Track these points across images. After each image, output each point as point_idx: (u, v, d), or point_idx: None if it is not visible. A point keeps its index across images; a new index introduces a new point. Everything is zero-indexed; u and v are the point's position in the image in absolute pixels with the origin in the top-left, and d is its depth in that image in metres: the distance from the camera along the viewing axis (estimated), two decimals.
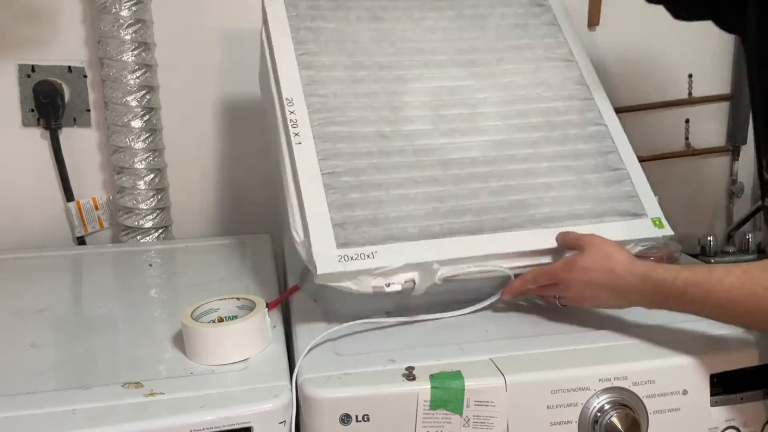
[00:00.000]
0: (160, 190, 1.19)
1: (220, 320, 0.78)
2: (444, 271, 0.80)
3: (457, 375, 0.68)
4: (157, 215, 1.19)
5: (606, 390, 0.70)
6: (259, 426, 0.65)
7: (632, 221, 0.90)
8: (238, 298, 0.80)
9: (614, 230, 0.86)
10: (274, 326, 0.81)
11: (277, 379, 0.70)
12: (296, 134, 0.85)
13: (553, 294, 0.80)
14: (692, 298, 0.68)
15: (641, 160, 1.49)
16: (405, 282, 0.79)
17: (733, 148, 1.47)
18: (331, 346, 0.76)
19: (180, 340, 0.76)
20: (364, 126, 0.88)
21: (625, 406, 0.70)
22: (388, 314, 0.82)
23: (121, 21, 1.10)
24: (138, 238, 1.19)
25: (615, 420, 0.69)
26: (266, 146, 1.27)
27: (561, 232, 0.83)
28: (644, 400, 0.71)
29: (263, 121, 1.27)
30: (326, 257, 0.77)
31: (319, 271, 0.76)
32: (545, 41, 1.02)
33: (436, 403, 0.67)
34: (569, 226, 0.85)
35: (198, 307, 0.77)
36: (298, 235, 0.80)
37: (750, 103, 0.92)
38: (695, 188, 1.49)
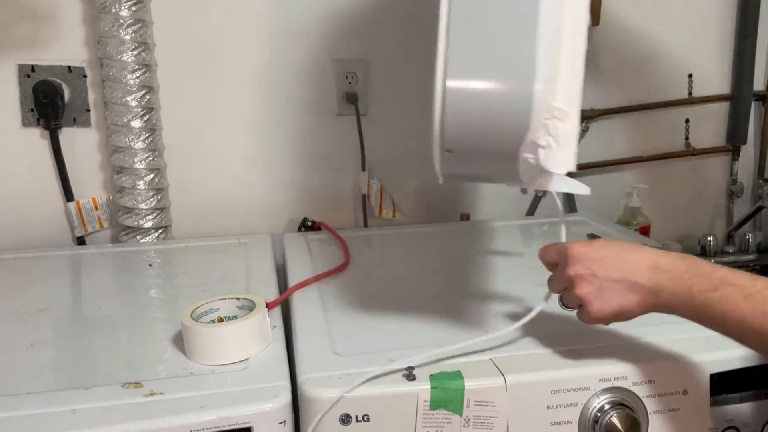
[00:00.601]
0: (159, 190, 1.19)
1: (220, 320, 0.78)
2: None
3: (457, 375, 0.68)
4: (157, 215, 1.19)
5: (606, 390, 0.70)
6: (259, 426, 0.65)
7: None
8: (238, 298, 0.80)
9: None
10: (274, 326, 0.81)
11: (277, 379, 0.70)
12: None
13: (560, 285, 0.72)
14: (723, 298, 0.61)
15: (641, 160, 1.49)
16: None
17: (733, 148, 1.47)
18: (331, 346, 0.76)
19: (180, 340, 0.76)
20: None
21: (625, 406, 0.70)
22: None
23: (121, 21, 1.10)
24: (138, 238, 1.19)
25: (615, 420, 0.69)
26: (263, 146, 1.28)
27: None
28: (644, 400, 0.71)
29: (263, 120, 1.27)
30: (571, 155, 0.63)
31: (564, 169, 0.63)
32: None
33: (436, 403, 0.67)
34: None
35: (198, 307, 0.77)
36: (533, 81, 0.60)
37: None
38: (695, 188, 1.49)
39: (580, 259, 0.68)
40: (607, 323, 0.70)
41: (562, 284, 0.71)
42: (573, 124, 0.62)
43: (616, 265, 0.67)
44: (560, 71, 0.62)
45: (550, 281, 0.74)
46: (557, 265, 0.72)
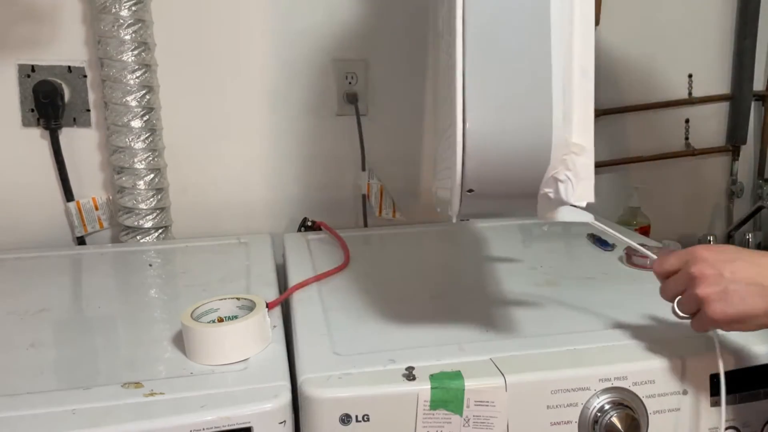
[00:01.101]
0: (159, 190, 1.19)
1: (220, 320, 0.78)
2: None
3: (457, 375, 0.68)
4: (157, 215, 1.19)
5: (606, 390, 0.70)
6: (259, 426, 0.65)
7: None
8: (238, 298, 0.80)
9: None
10: (274, 326, 0.81)
11: (277, 379, 0.70)
12: None
13: (678, 287, 0.68)
14: None
15: (641, 160, 1.49)
16: None
17: (733, 148, 1.47)
18: (331, 346, 0.76)
19: (180, 340, 0.76)
20: None
21: (625, 406, 0.70)
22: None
23: (121, 21, 1.10)
24: (138, 238, 1.19)
25: (615, 420, 0.69)
26: (262, 146, 1.28)
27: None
28: (644, 400, 0.71)
29: (263, 120, 1.27)
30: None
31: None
32: None
33: (436, 403, 0.67)
34: None
35: (198, 307, 0.77)
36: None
37: None
38: (695, 188, 1.49)
39: (707, 260, 0.65)
40: (726, 328, 0.67)
41: (681, 286, 0.67)
42: (589, 157, 0.66)
43: (747, 269, 0.64)
44: (574, 108, 0.65)
45: (664, 288, 0.70)
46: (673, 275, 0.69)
